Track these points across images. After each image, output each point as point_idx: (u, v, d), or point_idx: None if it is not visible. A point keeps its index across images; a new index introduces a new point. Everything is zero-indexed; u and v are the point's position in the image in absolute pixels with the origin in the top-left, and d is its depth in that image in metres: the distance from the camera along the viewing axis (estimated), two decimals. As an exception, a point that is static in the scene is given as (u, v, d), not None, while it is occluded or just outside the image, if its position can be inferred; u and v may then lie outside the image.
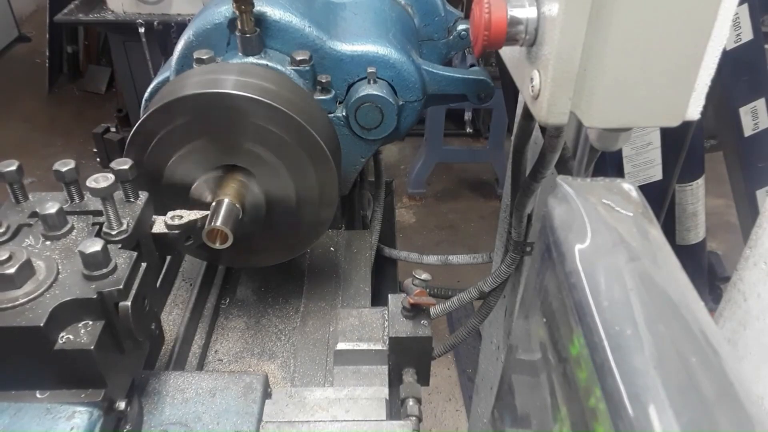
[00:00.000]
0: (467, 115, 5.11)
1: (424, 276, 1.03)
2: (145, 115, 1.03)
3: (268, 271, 1.38)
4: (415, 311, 1.02)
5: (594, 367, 0.46)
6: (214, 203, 1.02)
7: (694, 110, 0.75)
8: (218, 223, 0.98)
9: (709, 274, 2.51)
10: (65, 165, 0.89)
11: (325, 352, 1.17)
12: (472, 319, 1.49)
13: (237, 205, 1.03)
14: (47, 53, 5.92)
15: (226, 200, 1.02)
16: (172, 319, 1.23)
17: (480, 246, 4.20)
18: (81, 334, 0.76)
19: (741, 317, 1.10)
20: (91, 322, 0.78)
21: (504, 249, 1.45)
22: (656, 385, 0.42)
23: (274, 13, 1.15)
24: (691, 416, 0.41)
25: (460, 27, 1.57)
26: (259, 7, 1.13)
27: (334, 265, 1.40)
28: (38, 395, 0.79)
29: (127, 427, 0.86)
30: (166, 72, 1.28)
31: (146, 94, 1.31)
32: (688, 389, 0.43)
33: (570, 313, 0.51)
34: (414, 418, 0.95)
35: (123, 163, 0.91)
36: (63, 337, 0.76)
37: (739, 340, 1.11)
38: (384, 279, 1.65)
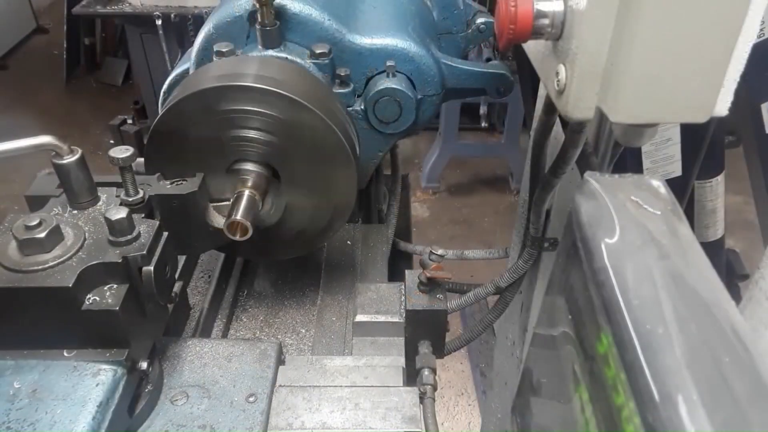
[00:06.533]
0: (482, 110, 5.07)
1: (441, 251, 1.05)
2: (165, 109, 1.03)
3: (285, 264, 1.38)
4: (431, 285, 1.05)
5: (623, 366, 0.45)
6: (234, 195, 1.03)
7: (722, 106, 0.74)
8: (238, 216, 0.98)
9: (727, 271, 2.48)
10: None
11: (342, 344, 1.18)
12: (488, 315, 1.48)
13: (257, 198, 1.04)
14: (65, 45, 5.96)
15: (246, 192, 1.03)
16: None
17: (494, 241, 4.19)
18: (106, 296, 0.81)
19: (762, 316, 1.09)
20: (116, 285, 0.83)
21: (521, 244, 1.44)
22: (688, 384, 0.42)
23: (294, 6, 1.15)
24: (724, 416, 0.40)
25: (479, 20, 1.55)
26: (278, 0, 1.12)
27: (351, 258, 1.41)
28: (66, 354, 0.84)
29: (149, 387, 0.91)
30: (185, 64, 1.29)
31: (165, 87, 1.31)
32: (721, 389, 0.42)
33: (597, 310, 0.51)
34: (429, 386, 0.99)
35: (124, 151, 0.92)
36: (90, 298, 0.81)
37: (761, 339, 1.09)
38: (399, 273, 1.65)
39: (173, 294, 0.94)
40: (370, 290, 1.17)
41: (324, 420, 0.92)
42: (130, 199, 0.93)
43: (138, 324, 0.86)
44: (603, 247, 0.53)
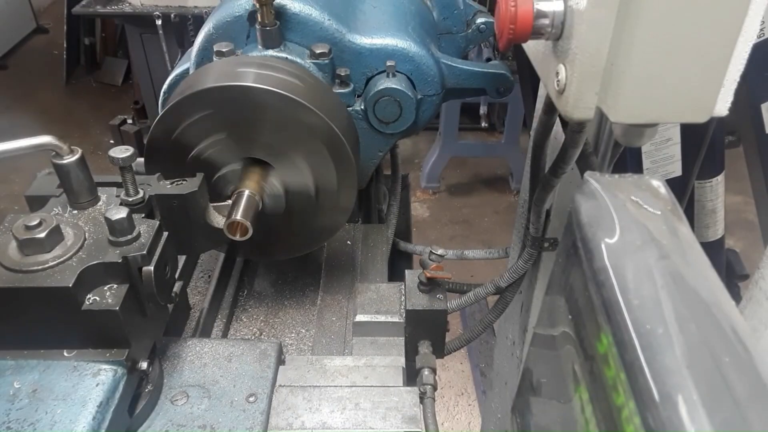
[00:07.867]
0: (482, 110, 5.08)
1: (441, 251, 1.06)
2: (166, 108, 1.03)
3: (285, 264, 1.38)
4: (431, 285, 1.06)
5: (623, 366, 0.45)
6: (234, 195, 1.03)
7: (722, 106, 0.74)
8: (238, 216, 0.98)
9: (726, 271, 2.48)
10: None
11: (342, 344, 1.18)
12: (488, 315, 1.48)
13: (257, 197, 1.04)
14: (65, 45, 5.96)
15: (247, 192, 1.03)
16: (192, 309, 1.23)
17: (494, 241, 4.19)
18: (107, 296, 0.81)
19: (763, 316, 1.09)
20: (116, 285, 0.83)
21: (521, 244, 1.44)
22: (688, 384, 0.42)
23: (294, 5, 1.15)
24: (723, 416, 0.40)
25: (479, 20, 1.55)
26: (278, 0, 1.12)
27: (351, 258, 1.41)
28: (66, 353, 0.84)
29: (149, 387, 0.91)
30: (185, 64, 1.29)
31: (165, 87, 1.31)
32: (721, 389, 0.42)
33: (598, 310, 0.51)
34: (429, 386, 1.00)
35: (124, 151, 0.92)
36: (90, 298, 0.81)
37: (761, 339, 1.09)
38: (399, 273, 1.65)
39: (173, 294, 0.94)
40: (370, 290, 1.17)
41: (324, 420, 0.92)
42: (130, 199, 0.93)
43: (138, 324, 0.86)
44: (603, 247, 0.53)
